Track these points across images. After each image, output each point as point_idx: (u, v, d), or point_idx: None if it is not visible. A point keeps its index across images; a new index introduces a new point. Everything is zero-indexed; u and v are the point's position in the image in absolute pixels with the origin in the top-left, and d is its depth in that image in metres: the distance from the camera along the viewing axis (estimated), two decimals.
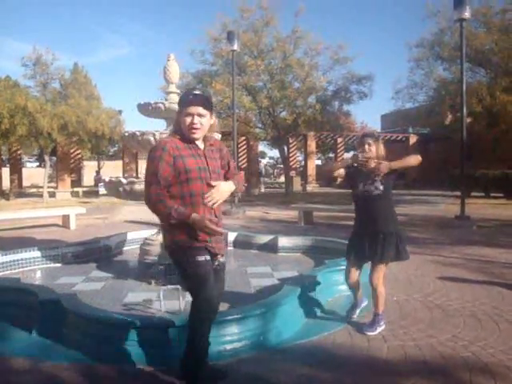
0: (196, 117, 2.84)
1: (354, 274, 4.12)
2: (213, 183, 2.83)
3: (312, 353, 3.60)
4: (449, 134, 23.38)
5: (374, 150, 3.86)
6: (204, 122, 2.88)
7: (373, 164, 3.78)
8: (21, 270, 6.16)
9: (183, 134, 2.88)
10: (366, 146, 3.87)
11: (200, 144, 2.94)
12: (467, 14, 11.81)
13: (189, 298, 4.67)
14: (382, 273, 3.93)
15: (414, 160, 3.85)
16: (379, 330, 3.93)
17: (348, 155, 43.42)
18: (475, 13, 16.74)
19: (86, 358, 3.38)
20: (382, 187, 3.85)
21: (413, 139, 33.41)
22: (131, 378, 3.17)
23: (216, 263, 3.03)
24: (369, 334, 3.87)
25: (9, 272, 6.00)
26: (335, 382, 3.11)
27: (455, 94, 15.08)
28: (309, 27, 25.04)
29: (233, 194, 3.14)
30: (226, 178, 3.06)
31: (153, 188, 2.75)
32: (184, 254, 2.85)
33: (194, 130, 2.85)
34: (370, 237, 3.92)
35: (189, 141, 2.88)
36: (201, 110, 2.86)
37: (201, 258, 2.83)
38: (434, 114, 19.69)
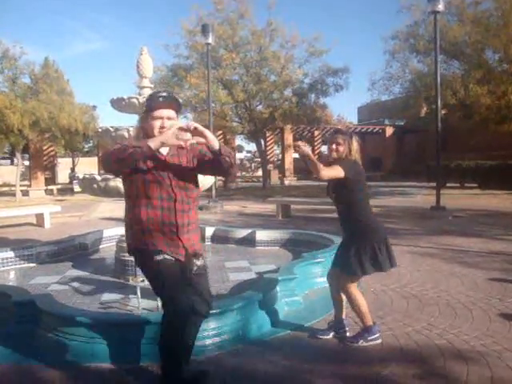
0: (166, 120, 2.69)
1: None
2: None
3: (292, 344, 3.62)
4: (424, 126, 23.70)
5: (342, 149, 3.59)
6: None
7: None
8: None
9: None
10: (334, 146, 3.63)
11: (163, 150, 2.71)
12: (441, 7, 11.94)
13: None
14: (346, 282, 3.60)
15: (316, 170, 3.41)
16: (364, 344, 3.54)
17: (325, 148, 43.75)
18: (449, 5, 16.90)
19: (62, 358, 3.32)
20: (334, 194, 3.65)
21: (389, 131, 33.82)
22: (108, 377, 3.13)
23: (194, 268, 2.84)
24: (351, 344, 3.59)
25: None
26: (314, 372, 3.14)
27: (430, 86, 15.23)
28: (284, 20, 25.07)
29: (226, 181, 3.05)
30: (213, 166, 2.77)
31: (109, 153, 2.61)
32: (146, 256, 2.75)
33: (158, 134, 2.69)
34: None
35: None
36: (171, 113, 2.74)
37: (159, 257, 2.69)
38: (410, 106, 19.82)
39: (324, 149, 40.49)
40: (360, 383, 3.01)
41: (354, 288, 3.61)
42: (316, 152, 34.92)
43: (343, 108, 80.00)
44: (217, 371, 3.15)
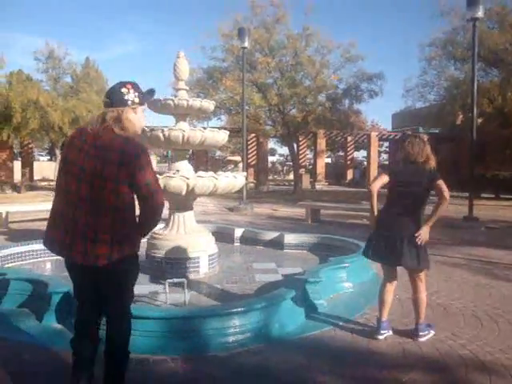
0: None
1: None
2: None
3: (313, 346, 3.68)
4: (460, 135, 23.23)
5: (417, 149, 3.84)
6: None
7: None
8: (32, 261, 6.29)
9: (128, 132, 2.59)
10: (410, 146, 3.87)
11: None
12: (480, 14, 11.73)
13: (192, 291, 4.82)
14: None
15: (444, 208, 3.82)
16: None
17: (358, 154, 43.37)
18: (489, 12, 16.62)
19: None
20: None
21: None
22: (136, 365, 3.27)
23: None
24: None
25: (20, 263, 6.13)
26: (334, 374, 3.19)
27: (466, 93, 15.00)
28: (320, 25, 25.06)
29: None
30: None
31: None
32: (137, 261, 2.75)
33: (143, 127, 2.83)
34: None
35: None
36: None
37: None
38: (445, 114, 19.56)
39: (356, 154, 40.20)
40: None
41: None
42: (349, 157, 34.70)
43: (377, 114, 79.16)
44: (238, 367, 3.25)
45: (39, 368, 2.83)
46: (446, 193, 3.69)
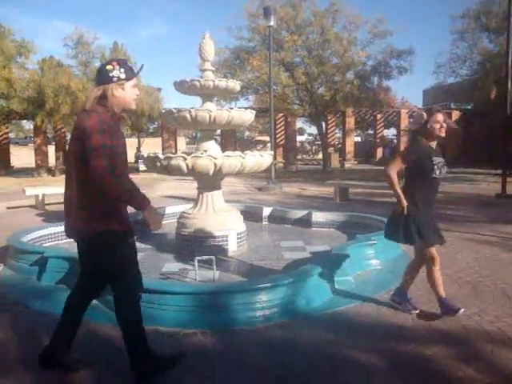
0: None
1: None
2: None
3: (339, 321, 3.75)
4: (493, 110, 22.54)
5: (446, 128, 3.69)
6: None
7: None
8: (67, 240, 6.51)
9: (113, 109, 2.62)
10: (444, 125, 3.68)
11: None
12: None
13: (221, 268, 4.93)
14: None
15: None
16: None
17: (387, 132, 42.64)
18: None
19: None
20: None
21: (455, 115, 32.39)
22: (165, 338, 3.41)
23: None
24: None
25: (56, 242, 6.38)
26: (360, 348, 3.26)
27: (501, 67, 14.49)
28: (347, 0, 24.52)
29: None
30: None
31: (106, 160, 2.41)
32: (119, 238, 2.70)
33: (135, 101, 2.79)
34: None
35: (117, 118, 2.67)
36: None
37: (131, 240, 2.78)
38: (478, 89, 18.97)
39: (386, 132, 39.54)
40: (404, 361, 3.09)
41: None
42: (378, 136, 34.19)
43: (408, 91, 77.22)
44: (263, 341, 3.36)
45: (78, 340, 3.00)
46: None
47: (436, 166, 3.68)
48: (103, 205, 2.58)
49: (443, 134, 3.69)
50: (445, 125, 3.67)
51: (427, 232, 3.70)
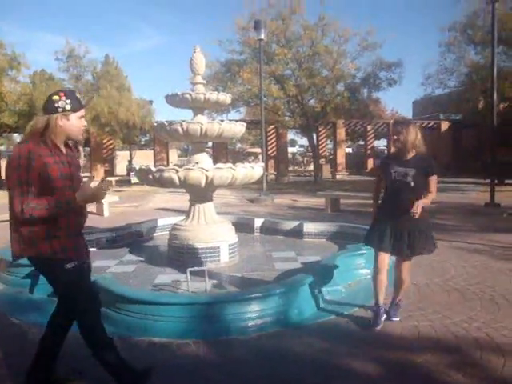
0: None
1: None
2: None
3: (331, 330, 3.80)
4: (482, 121, 22.85)
5: (403, 138, 3.75)
6: None
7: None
8: None
9: (51, 139, 2.63)
10: (395, 136, 3.82)
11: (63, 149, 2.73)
12: None
13: (213, 279, 4.97)
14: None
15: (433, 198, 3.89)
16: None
17: (378, 142, 43.00)
18: None
19: (118, 331, 3.61)
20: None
21: (444, 126, 32.80)
22: (159, 349, 3.43)
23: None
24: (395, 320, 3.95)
25: None
26: (351, 356, 3.30)
27: (487, 78, 14.74)
28: (336, 13, 24.90)
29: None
30: None
31: (23, 200, 2.49)
32: (51, 264, 2.68)
33: (82, 132, 2.82)
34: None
35: (55, 146, 2.65)
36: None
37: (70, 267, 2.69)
38: (466, 100, 19.26)
39: (377, 143, 39.85)
40: (394, 368, 3.14)
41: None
42: (369, 147, 34.48)
43: (397, 102, 78.21)
44: (257, 350, 3.39)
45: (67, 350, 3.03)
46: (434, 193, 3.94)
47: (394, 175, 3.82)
48: (30, 230, 2.60)
49: (396, 144, 3.85)
50: (395, 136, 3.82)
51: (368, 234, 4.04)
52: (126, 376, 2.83)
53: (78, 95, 2.75)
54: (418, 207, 3.58)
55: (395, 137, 3.83)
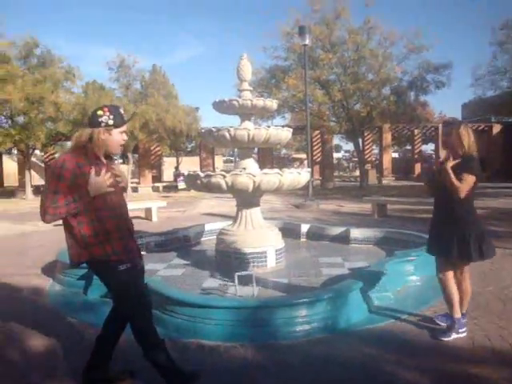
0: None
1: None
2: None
3: (379, 336, 3.74)
4: None
5: (453, 140, 3.58)
6: None
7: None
8: None
9: (93, 151, 2.79)
10: (444, 138, 3.69)
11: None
12: None
13: (260, 283, 4.99)
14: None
15: (456, 187, 3.50)
16: (455, 336, 3.66)
17: (426, 147, 41.95)
18: None
19: (167, 332, 3.70)
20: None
21: (496, 128, 31.58)
22: (207, 352, 3.49)
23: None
24: (442, 339, 3.64)
25: None
26: (400, 364, 3.24)
27: None
28: (382, 15, 24.57)
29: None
30: None
31: (47, 203, 2.66)
32: (106, 266, 2.82)
33: (121, 147, 2.95)
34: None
35: (95, 157, 2.80)
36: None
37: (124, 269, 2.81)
38: None
39: (424, 148, 38.84)
40: (445, 378, 3.06)
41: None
42: (416, 151, 33.67)
43: (446, 105, 75.68)
44: (305, 356, 3.39)
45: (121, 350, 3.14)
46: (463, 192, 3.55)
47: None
48: (83, 235, 2.75)
49: (445, 146, 3.70)
50: (445, 138, 3.69)
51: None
52: (175, 377, 2.92)
53: (121, 111, 2.88)
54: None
55: (444, 138, 3.69)
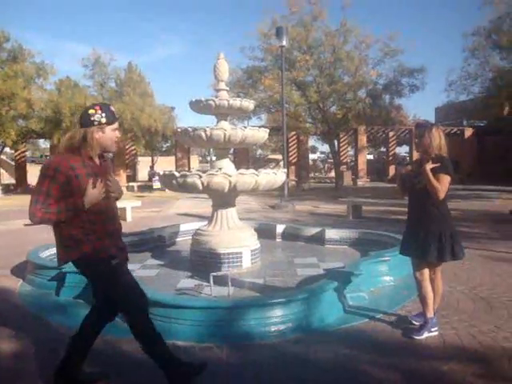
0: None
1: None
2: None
3: (353, 336, 3.77)
4: (506, 127, 22.47)
5: (425, 141, 3.65)
6: None
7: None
8: None
9: (87, 151, 2.75)
10: (416, 140, 3.78)
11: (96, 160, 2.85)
12: None
13: (235, 284, 4.99)
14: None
15: (436, 188, 3.56)
16: (427, 335, 3.71)
17: (400, 149, 42.68)
18: None
19: None
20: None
21: (468, 132, 32.36)
22: (182, 352, 3.46)
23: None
24: (415, 338, 3.68)
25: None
26: (374, 363, 3.28)
27: None
28: (358, 19, 24.84)
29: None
30: None
31: (37, 206, 2.63)
32: (95, 264, 2.80)
33: (116, 144, 2.92)
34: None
35: (89, 159, 2.77)
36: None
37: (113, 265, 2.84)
38: (490, 106, 18.93)
39: (398, 150, 39.48)
40: (417, 377, 3.10)
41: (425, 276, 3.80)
42: (391, 153, 34.19)
43: (419, 109, 77.35)
44: (279, 355, 3.39)
45: (97, 353, 3.09)
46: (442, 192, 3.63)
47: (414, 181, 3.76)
48: (71, 234, 2.73)
49: (418, 148, 3.80)
50: (417, 140, 3.78)
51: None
52: (175, 369, 2.89)
53: (112, 108, 2.85)
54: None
55: (417, 140, 3.77)
